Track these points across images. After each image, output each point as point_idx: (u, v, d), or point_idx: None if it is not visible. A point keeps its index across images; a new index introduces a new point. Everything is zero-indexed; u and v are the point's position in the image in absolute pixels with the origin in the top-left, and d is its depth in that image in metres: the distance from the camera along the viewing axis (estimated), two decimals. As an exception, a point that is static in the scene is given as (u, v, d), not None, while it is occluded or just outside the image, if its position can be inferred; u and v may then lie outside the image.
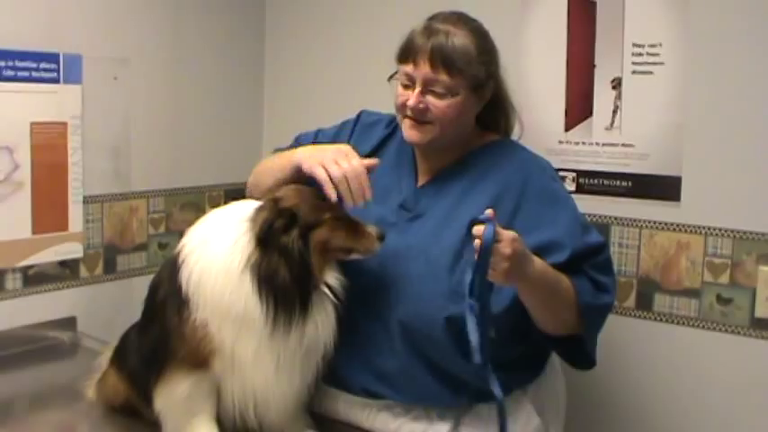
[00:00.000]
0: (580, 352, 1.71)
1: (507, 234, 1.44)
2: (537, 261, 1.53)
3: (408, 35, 1.66)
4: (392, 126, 1.83)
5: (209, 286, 1.48)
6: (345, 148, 1.63)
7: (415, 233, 1.68)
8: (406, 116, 1.67)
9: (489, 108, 1.72)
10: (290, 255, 1.48)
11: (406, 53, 1.65)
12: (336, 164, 1.57)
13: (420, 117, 1.64)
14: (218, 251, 1.50)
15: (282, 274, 1.47)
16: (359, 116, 1.90)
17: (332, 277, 1.55)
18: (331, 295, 1.54)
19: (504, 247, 1.42)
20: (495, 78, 1.70)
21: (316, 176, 1.58)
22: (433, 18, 1.67)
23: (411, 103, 1.63)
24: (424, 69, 1.61)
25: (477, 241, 1.42)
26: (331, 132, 1.89)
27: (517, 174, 1.68)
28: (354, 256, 1.58)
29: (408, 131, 1.67)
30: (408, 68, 1.64)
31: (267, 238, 1.48)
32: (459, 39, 1.62)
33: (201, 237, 1.56)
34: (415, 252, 1.64)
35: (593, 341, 1.71)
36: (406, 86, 1.65)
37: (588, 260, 1.64)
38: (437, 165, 1.74)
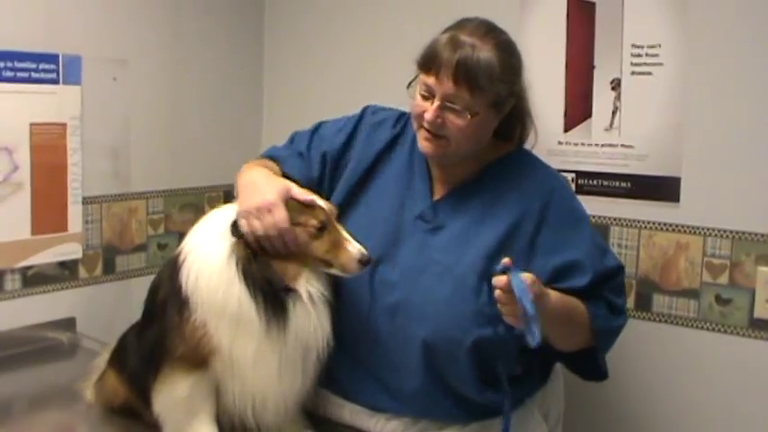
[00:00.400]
0: (590, 363, 1.71)
1: (526, 278, 1.43)
2: (552, 295, 1.52)
3: (432, 44, 1.58)
4: (400, 124, 1.77)
5: (204, 285, 1.49)
6: (273, 199, 1.51)
7: (437, 247, 1.64)
8: (421, 126, 1.62)
9: (507, 118, 1.67)
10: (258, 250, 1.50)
11: (429, 64, 1.57)
12: (258, 219, 1.49)
13: (436, 131, 1.59)
14: (213, 250, 1.51)
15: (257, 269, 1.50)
16: (363, 114, 1.82)
17: (307, 283, 1.52)
18: (306, 300, 1.51)
19: None
20: (516, 93, 1.64)
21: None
22: (459, 27, 1.59)
23: (429, 116, 1.57)
24: (446, 85, 1.55)
25: (497, 292, 1.44)
26: (332, 130, 1.80)
27: (537, 194, 1.65)
28: (333, 271, 1.55)
29: (423, 143, 1.63)
30: (430, 80, 1.57)
31: (232, 231, 1.52)
32: (484, 54, 1.54)
33: (200, 237, 1.56)
34: (440, 269, 1.61)
35: (602, 356, 1.71)
36: (424, 97, 1.59)
37: (607, 284, 1.64)
38: (453, 177, 1.69)
